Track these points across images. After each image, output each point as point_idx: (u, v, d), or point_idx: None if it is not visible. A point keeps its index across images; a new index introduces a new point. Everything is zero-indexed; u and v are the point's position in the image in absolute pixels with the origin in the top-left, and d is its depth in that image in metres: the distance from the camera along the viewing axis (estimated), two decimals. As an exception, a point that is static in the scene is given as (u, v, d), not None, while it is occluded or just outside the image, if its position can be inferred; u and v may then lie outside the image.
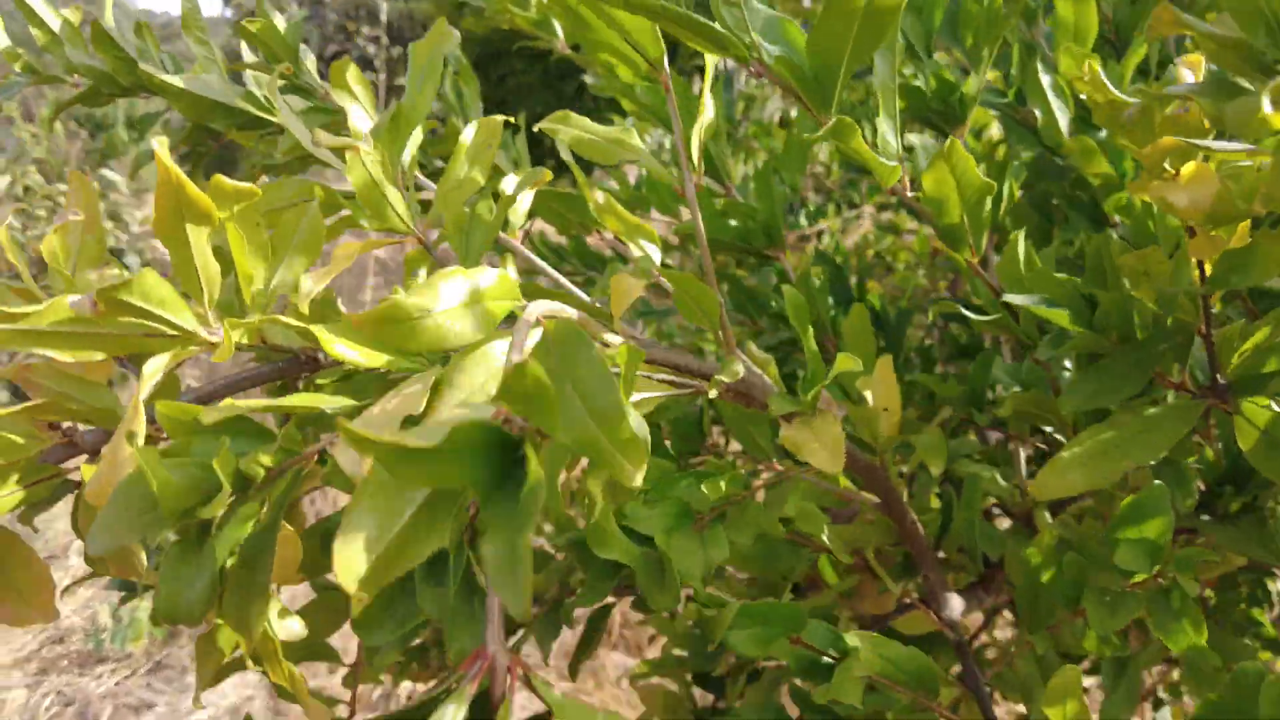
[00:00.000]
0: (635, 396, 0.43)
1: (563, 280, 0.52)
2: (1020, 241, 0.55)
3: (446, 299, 0.30)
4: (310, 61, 0.63)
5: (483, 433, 0.21)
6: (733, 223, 0.70)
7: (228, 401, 0.29)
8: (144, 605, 2.86)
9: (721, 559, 0.45)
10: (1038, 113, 0.66)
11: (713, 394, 0.43)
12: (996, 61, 0.73)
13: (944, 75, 0.63)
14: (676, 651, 0.65)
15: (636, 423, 0.42)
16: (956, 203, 0.51)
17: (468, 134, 0.45)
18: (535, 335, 0.30)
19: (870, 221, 1.83)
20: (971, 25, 0.65)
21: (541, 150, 5.49)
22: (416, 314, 0.29)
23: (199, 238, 0.34)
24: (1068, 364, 0.63)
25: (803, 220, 1.76)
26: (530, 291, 0.47)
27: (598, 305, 0.49)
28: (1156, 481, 0.49)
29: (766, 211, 0.69)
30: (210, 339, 0.34)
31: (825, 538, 0.54)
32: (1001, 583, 0.65)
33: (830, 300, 0.93)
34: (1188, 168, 0.41)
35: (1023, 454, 0.70)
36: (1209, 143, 0.36)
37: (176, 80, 0.59)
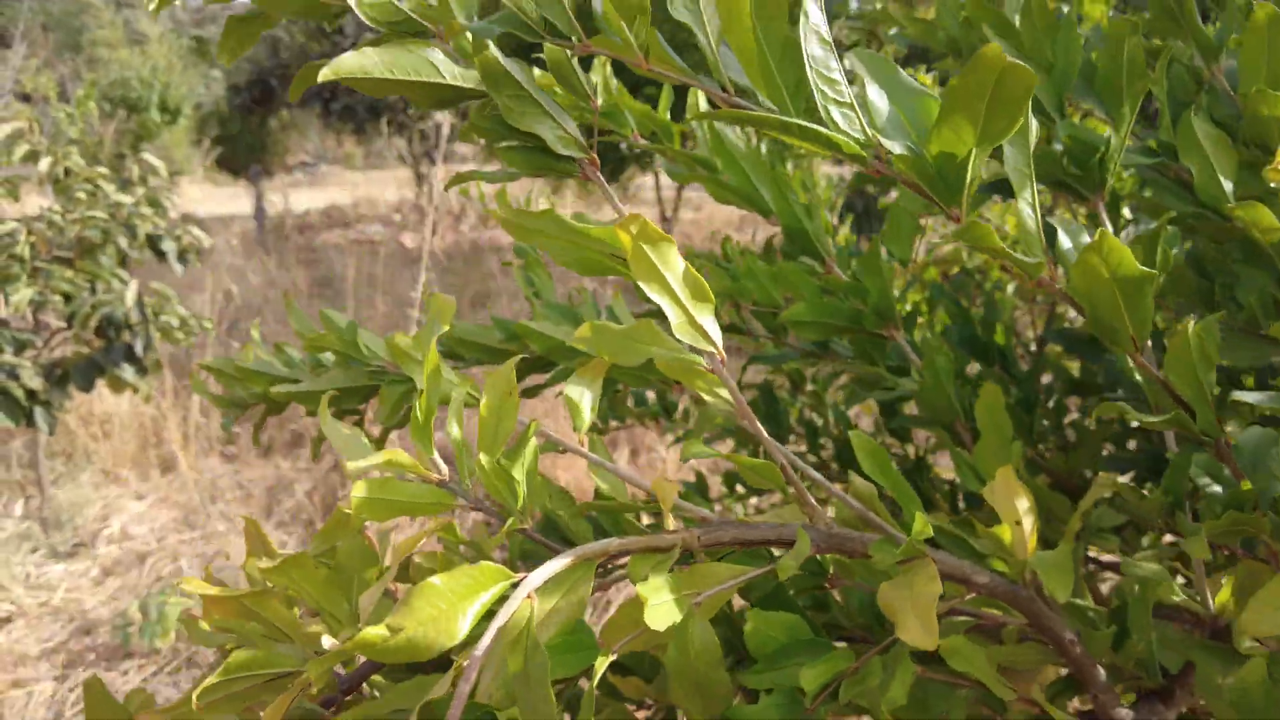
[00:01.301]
0: (700, 595, 0.41)
1: (623, 473, 0.52)
2: (1191, 329, 0.47)
3: (419, 613, 0.34)
4: (371, 340, 0.68)
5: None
6: (834, 300, 0.63)
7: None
8: (173, 600, 2.85)
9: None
10: (1192, 169, 0.57)
11: (784, 576, 0.40)
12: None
13: (1081, 136, 0.55)
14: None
15: (702, 633, 0.38)
16: (1112, 296, 0.43)
17: (486, 398, 0.46)
18: (517, 600, 0.35)
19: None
20: (1110, 79, 0.56)
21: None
22: (388, 636, 0.33)
23: (276, 614, 0.40)
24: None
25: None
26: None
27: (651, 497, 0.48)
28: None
29: (877, 291, 0.62)
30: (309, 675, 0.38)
31: (983, 675, 0.47)
32: (1183, 696, 0.57)
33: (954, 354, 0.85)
34: None
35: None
36: None
37: (303, 387, 0.70)
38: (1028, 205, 0.43)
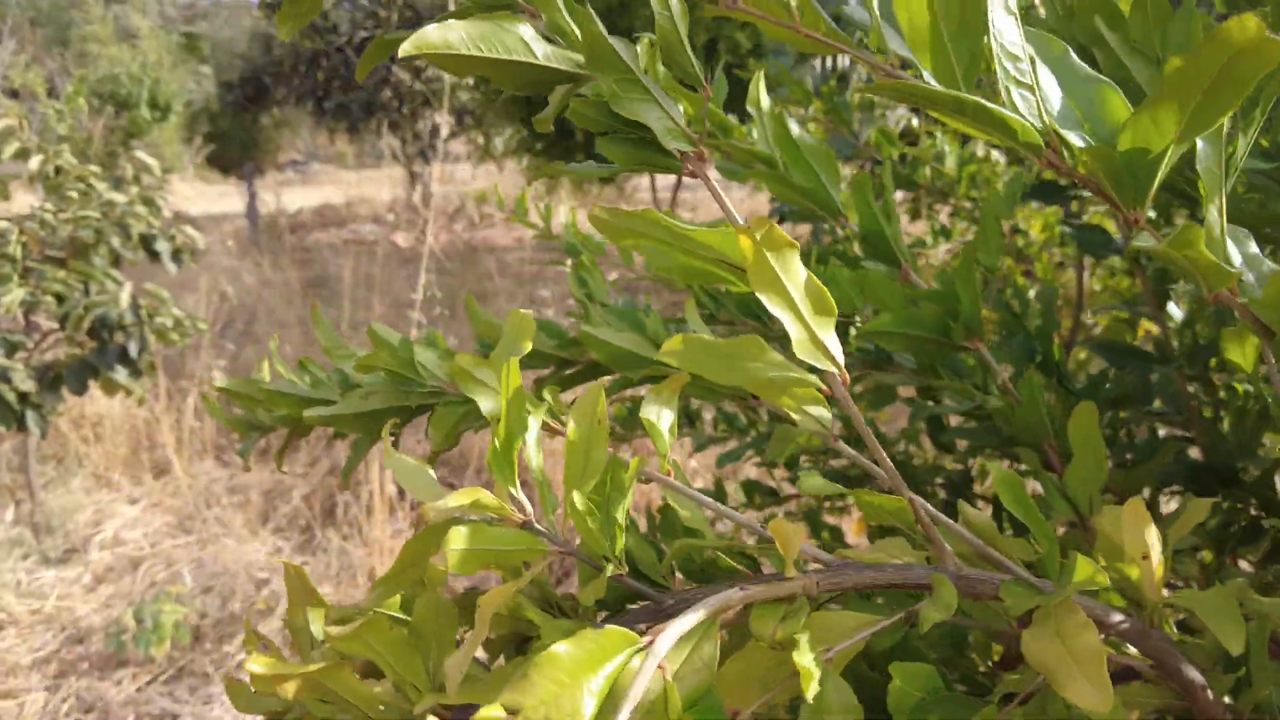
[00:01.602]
0: (831, 651, 0.37)
1: (717, 508, 0.48)
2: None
3: (540, 689, 0.30)
4: (428, 358, 0.63)
5: None
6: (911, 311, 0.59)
7: None
8: (168, 608, 2.78)
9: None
10: (1311, 176, 0.53)
11: (926, 627, 0.35)
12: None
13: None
14: None
15: (838, 693, 0.34)
16: (1311, 313, 0.39)
17: (574, 425, 0.42)
18: (649, 672, 0.30)
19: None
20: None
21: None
22: (505, 717, 0.29)
23: (350, 689, 0.37)
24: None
25: (927, 240, 1.64)
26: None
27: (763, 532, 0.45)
28: None
29: (970, 302, 0.58)
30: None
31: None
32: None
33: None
34: None
35: None
36: None
37: (339, 410, 0.65)
38: (1215, 210, 0.38)
